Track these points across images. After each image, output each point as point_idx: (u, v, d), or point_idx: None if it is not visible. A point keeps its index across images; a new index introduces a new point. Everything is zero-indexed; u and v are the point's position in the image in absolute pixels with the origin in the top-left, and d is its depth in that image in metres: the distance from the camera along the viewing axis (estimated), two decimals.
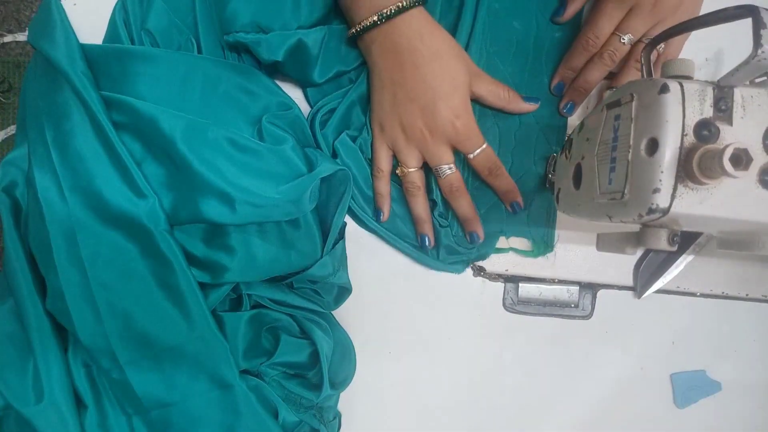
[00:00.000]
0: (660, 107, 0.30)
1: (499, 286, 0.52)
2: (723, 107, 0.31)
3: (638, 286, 0.52)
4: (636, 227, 0.35)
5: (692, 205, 0.30)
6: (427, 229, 0.49)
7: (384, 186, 0.49)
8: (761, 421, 0.53)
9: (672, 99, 0.30)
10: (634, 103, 0.33)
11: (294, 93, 0.50)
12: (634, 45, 0.46)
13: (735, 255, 0.52)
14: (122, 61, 0.43)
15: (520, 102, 0.48)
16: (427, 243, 0.49)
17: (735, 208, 0.31)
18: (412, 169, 0.47)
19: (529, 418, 0.52)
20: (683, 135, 0.30)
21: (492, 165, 0.47)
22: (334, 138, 0.48)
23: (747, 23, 0.28)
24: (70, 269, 0.41)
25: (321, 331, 0.46)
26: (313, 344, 0.46)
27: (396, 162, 0.49)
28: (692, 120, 0.30)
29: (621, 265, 0.52)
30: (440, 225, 0.49)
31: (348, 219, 0.51)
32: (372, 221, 0.50)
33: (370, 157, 0.49)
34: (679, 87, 0.31)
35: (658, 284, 0.51)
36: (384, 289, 0.51)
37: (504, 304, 0.52)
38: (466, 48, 0.48)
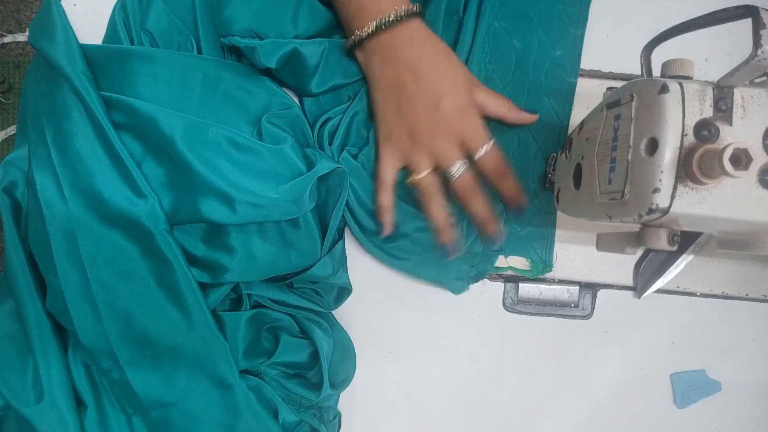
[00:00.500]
0: (660, 107, 0.30)
1: (499, 286, 0.52)
2: (723, 107, 0.31)
3: (638, 286, 0.52)
4: (636, 227, 0.35)
5: (692, 205, 0.30)
6: (449, 237, 0.46)
7: (387, 198, 0.47)
8: (761, 421, 0.53)
9: (672, 99, 0.30)
10: (634, 103, 0.33)
11: (293, 92, 0.50)
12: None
13: (735, 255, 0.52)
14: (122, 61, 0.43)
15: (519, 111, 0.48)
16: (447, 255, 0.47)
17: (735, 208, 0.31)
18: (425, 173, 0.45)
19: (529, 418, 0.52)
20: (683, 135, 0.30)
21: (500, 165, 0.46)
22: (338, 155, 0.48)
23: (747, 23, 0.28)
24: (70, 269, 0.41)
25: (321, 331, 0.46)
26: (313, 344, 0.46)
27: (402, 177, 0.47)
28: (692, 120, 0.30)
29: (621, 265, 0.52)
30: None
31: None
32: (370, 243, 0.49)
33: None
34: (679, 87, 0.31)
35: (658, 284, 0.51)
36: (384, 289, 0.51)
37: (504, 304, 0.52)
38: (466, 63, 0.48)
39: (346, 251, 0.50)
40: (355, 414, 0.51)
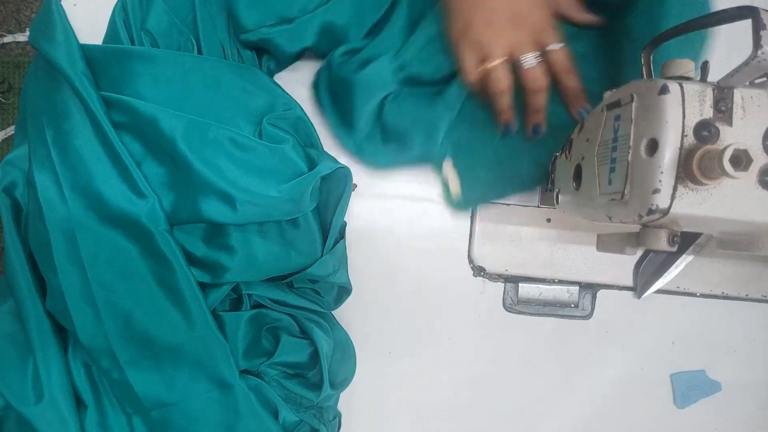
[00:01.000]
0: (660, 108, 0.30)
1: (499, 286, 0.52)
2: (723, 108, 0.31)
3: (638, 286, 0.52)
4: (636, 227, 0.35)
5: (692, 205, 0.30)
6: (510, 116, 0.48)
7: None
8: (761, 421, 0.53)
9: (672, 100, 0.30)
10: (634, 104, 0.33)
11: (294, 93, 0.50)
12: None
13: (735, 255, 0.52)
14: (122, 61, 0.43)
15: (586, 13, 0.47)
16: (510, 131, 0.48)
17: (735, 208, 0.31)
18: (498, 62, 0.45)
19: (529, 418, 0.52)
20: (683, 136, 0.30)
21: (569, 63, 0.46)
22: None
23: (747, 23, 0.28)
24: (70, 269, 0.41)
25: (321, 331, 0.46)
26: (313, 344, 0.46)
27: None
28: (692, 121, 0.30)
29: (621, 265, 0.52)
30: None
31: (351, 211, 0.51)
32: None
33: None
34: (678, 88, 0.30)
35: (658, 284, 0.51)
36: (384, 289, 0.51)
37: (504, 304, 0.52)
38: None
39: (347, 251, 0.50)
40: (355, 414, 0.52)
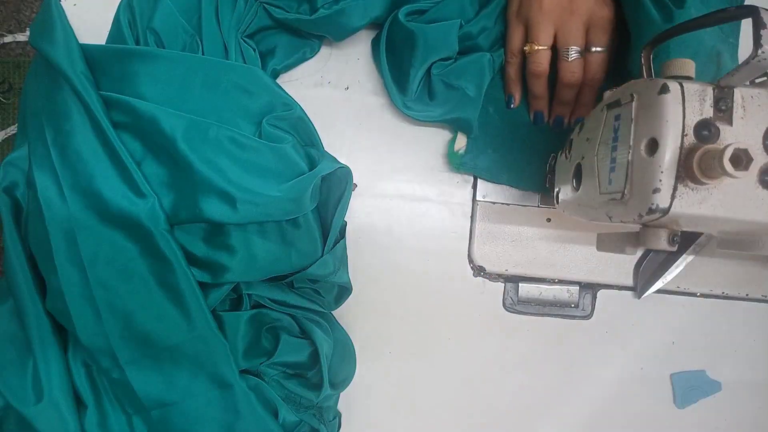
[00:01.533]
0: (660, 107, 0.30)
1: (499, 286, 0.52)
2: (723, 107, 0.31)
3: (638, 286, 0.52)
4: (636, 227, 0.35)
5: (692, 205, 0.30)
6: (543, 106, 0.50)
7: (515, 71, 0.49)
8: (761, 421, 0.53)
9: (672, 99, 0.30)
10: (634, 104, 0.33)
11: (294, 93, 0.50)
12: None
13: (735, 255, 0.52)
14: (122, 61, 0.43)
15: (601, 72, 0.47)
16: (541, 119, 0.50)
17: (735, 208, 0.31)
18: (542, 47, 0.46)
19: (529, 418, 0.52)
20: (683, 135, 0.30)
21: (602, 73, 0.47)
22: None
23: (747, 24, 0.28)
24: (70, 269, 0.41)
25: (321, 331, 0.46)
26: (313, 344, 0.46)
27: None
28: (692, 120, 0.30)
29: (621, 265, 0.52)
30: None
31: (351, 211, 0.51)
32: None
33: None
34: (679, 87, 0.31)
35: (658, 284, 0.51)
36: (384, 289, 0.51)
37: (504, 304, 0.52)
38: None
39: (347, 251, 0.50)
40: (355, 414, 0.51)
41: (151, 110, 0.41)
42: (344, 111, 0.52)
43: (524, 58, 0.48)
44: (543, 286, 0.52)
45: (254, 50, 0.49)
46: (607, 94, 0.37)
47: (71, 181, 0.41)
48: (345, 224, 0.50)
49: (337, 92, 0.52)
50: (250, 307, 0.46)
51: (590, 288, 0.52)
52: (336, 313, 0.50)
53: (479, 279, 0.52)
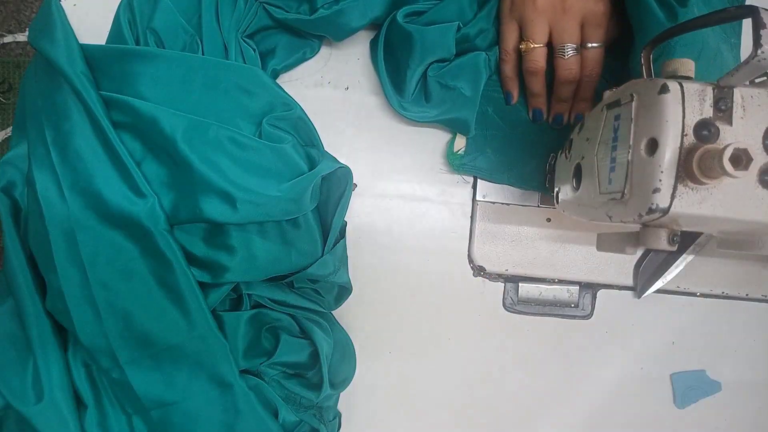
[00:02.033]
0: (660, 107, 0.30)
1: (499, 286, 0.52)
2: (723, 107, 0.31)
3: (638, 286, 0.52)
4: (636, 227, 0.35)
5: (692, 205, 0.30)
6: (541, 103, 0.50)
7: (510, 69, 0.49)
8: (761, 421, 0.53)
9: (672, 99, 0.30)
10: (633, 103, 0.33)
11: (294, 93, 0.50)
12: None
13: (735, 255, 0.52)
14: (122, 61, 0.43)
15: (598, 67, 0.47)
16: (540, 117, 0.50)
17: (735, 208, 0.31)
18: (538, 45, 0.46)
19: (529, 418, 0.52)
20: (683, 135, 0.30)
21: (598, 68, 0.47)
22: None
23: (748, 23, 0.28)
24: (70, 269, 0.41)
25: (321, 331, 0.46)
26: (313, 344, 0.46)
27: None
28: (692, 120, 0.30)
29: (621, 265, 0.52)
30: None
31: (351, 211, 0.51)
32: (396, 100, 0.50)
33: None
34: (678, 87, 0.31)
35: (658, 284, 0.51)
36: (384, 289, 0.51)
37: (504, 304, 0.52)
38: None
39: (347, 251, 0.50)
40: (355, 414, 0.52)
41: (151, 110, 0.41)
42: (344, 111, 0.52)
43: (520, 57, 0.48)
44: (543, 286, 0.52)
45: (254, 50, 0.49)
46: (607, 94, 0.37)
47: (71, 181, 0.41)
48: (345, 224, 0.50)
49: (337, 92, 0.52)
50: (250, 307, 0.46)
51: (590, 288, 0.52)
52: (336, 313, 0.50)
53: (479, 279, 0.52)
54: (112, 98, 0.42)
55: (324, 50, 0.52)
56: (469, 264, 0.52)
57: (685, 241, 0.51)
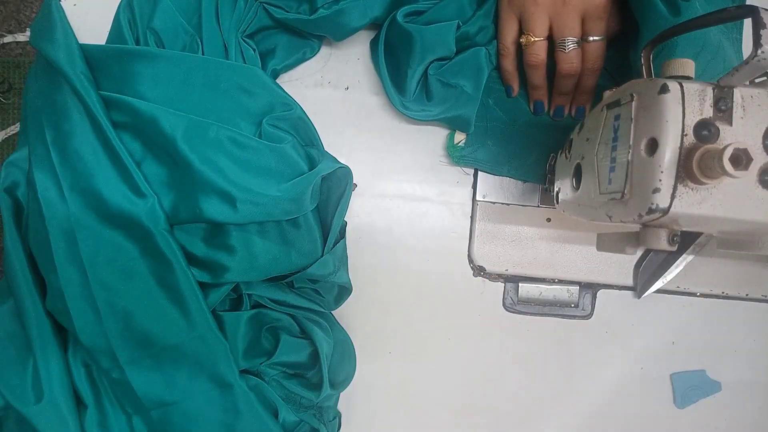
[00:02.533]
0: (660, 107, 0.30)
1: (499, 286, 0.52)
2: (723, 107, 0.31)
3: (638, 286, 0.52)
4: (636, 227, 0.35)
5: (692, 205, 0.30)
6: (542, 96, 0.50)
7: (510, 63, 0.49)
8: (761, 421, 0.53)
9: (672, 99, 0.30)
10: (633, 104, 0.33)
11: (294, 93, 0.50)
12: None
13: (735, 255, 0.52)
14: (122, 61, 0.43)
15: (599, 60, 0.47)
16: (542, 109, 0.50)
17: (735, 208, 0.31)
18: (538, 39, 0.46)
19: (529, 418, 0.52)
20: (683, 135, 0.30)
21: (600, 60, 0.46)
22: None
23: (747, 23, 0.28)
24: (70, 269, 0.41)
25: (321, 331, 0.46)
26: (313, 344, 0.46)
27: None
28: (692, 120, 0.30)
29: (621, 265, 0.52)
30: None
31: (351, 211, 0.51)
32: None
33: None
34: (678, 87, 0.31)
35: (658, 284, 0.51)
36: (384, 289, 0.51)
37: (504, 304, 0.52)
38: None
39: (347, 251, 0.50)
40: (355, 414, 0.52)
41: (151, 110, 0.41)
42: (344, 111, 0.52)
43: (519, 50, 0.48)
44: (543, 286, 0.52)
45: (254, 50, 0.49)
46: (607, 93, 0.37)
47: (71, 181, 0.41)
48: (345, 224, 0.50)
49: (337, 92, 0.52)
50: (250, 307, 0.46)
51: (590, 288, 0.52)
52: (336, 313, 0.50)
53: (479, 279, 0.52)
54: (112, 98, 0.42)
55: (324, 50, 0.52)
56: (469, 264, 0.52)
57: (685, 241, 0.51)
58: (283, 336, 0.46)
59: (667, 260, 0.51)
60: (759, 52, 0.28)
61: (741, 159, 0.28)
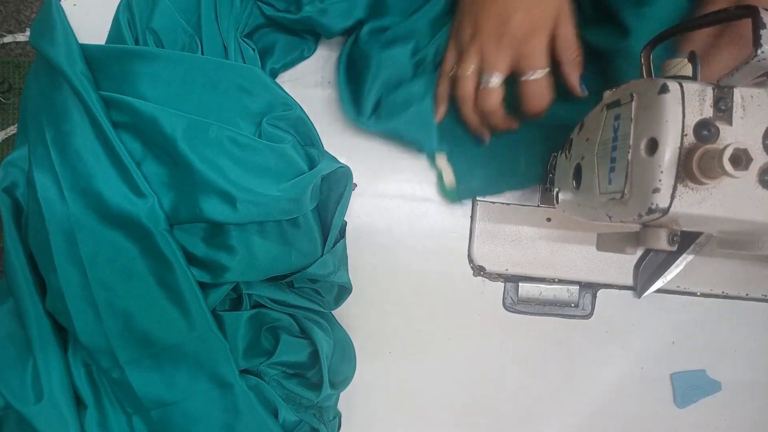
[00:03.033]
0: (660, 107, 0.30)
1: (499, 285, 0.52)
2: (723, 107, 0.31)
3: (638, 286, 0.52)
4: (636, 227, 0.35)
5: (692, 205, 0.30)
6: (479, 131, 0.49)
7: (443, 88, 0.48)
8: (761, 421, 0.53)
9: (672, 99, 0.30)
10: (633, 103, 0.33)
11: (294, 93, 0.50)
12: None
13: (735, 255, 0.52)
14: (122, 61, 0.43)
15: (575, 73, 0.46)
16: (482, 142, 0.50)
17: (735, 208, 0.31)
18: (468, 73, 0.46)
19: (529, 418, 0.52)
20: (683, 135, 0.30)
21: (540, 99, 0.46)
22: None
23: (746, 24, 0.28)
24: (70, 269, 0.41)
25: (321, 330, 0.46)
26: (313, 344, 0.46)
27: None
28: (692, 120, 0.30)
29: (621, 265, 0.52)
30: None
31: (351, 211, 0.51)
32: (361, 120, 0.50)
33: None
34: (678, 87, 0.31)
35: (658, 284, 0.51)
36: (384, 289, 0.51)
37: (504, 304, 0.52)
38: None
39: (347, 251, 0.50)
40: (355, 414, 0.52)
41: (151, 110, 0.41)
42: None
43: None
44: (543, 286, 0.52)
45: (253, 50, 0.49)
46: (607, 93, 0.37)
47: (71, 181, 0.41)
48: (345, 224, 0.50)
49: (337, 92, 0.52)
50: (250, 306, 0.46)
51: (590, 288, 0.52)
52: (336, 313, 0.50)
53: (479, 279, 0.52)
54: (112, 98, 0.42)
55: (324, 50, 0.52)
56: (469, 264, 0.52)
57: (685, 241, 0.51)
58: (283, 336, 0.46)
59: (667, 260, 0.51)
60: (759, 52, 0.28)
61: (741, 159, 0.28)
